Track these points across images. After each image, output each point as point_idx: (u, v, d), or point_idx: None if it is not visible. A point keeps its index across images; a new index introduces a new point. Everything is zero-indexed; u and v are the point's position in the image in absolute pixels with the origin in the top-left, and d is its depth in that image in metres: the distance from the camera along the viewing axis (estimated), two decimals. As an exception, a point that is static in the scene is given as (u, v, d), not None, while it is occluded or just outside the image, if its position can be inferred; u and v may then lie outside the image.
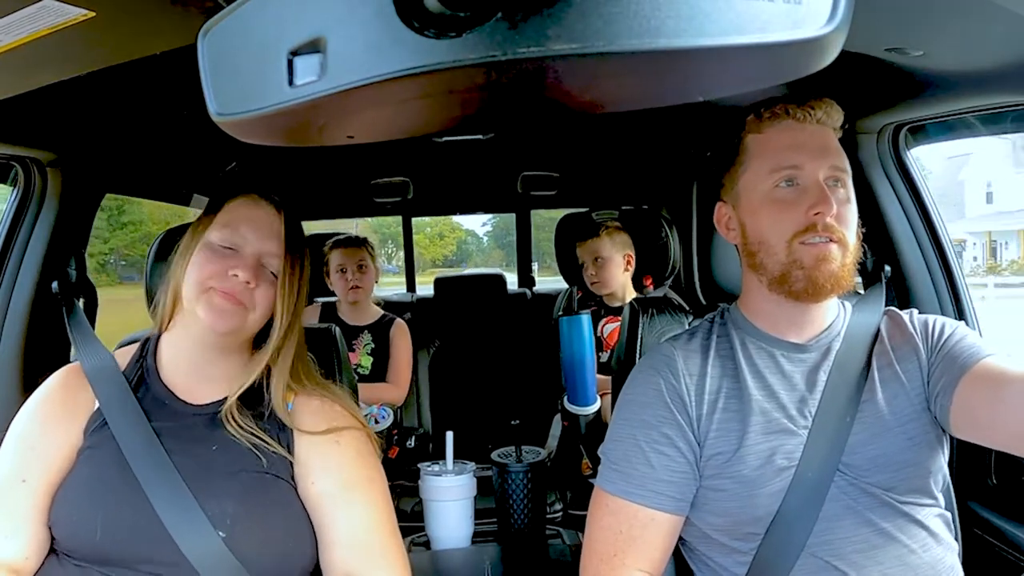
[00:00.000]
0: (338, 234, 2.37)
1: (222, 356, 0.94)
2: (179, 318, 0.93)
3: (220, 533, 0.83)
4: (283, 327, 0.93)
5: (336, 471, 0.91)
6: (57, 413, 0.90)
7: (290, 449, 0.92)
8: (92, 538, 0.83)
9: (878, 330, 0.94)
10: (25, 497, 0.85)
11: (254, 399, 0.94)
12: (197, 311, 0.88)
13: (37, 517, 0.85)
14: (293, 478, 0.91)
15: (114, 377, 0.92)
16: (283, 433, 0.92)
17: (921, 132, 1.28)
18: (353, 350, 2.22)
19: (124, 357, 0.96)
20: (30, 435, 0.89)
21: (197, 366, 0.94)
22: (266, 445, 0.90)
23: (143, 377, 0.94)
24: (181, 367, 0.94)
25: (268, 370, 0.95)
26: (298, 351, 0.97)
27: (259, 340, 0.97)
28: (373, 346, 2.25)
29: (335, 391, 1.01)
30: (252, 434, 0.91)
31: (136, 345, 0.98)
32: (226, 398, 0.92)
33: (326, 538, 0.90)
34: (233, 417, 0.91)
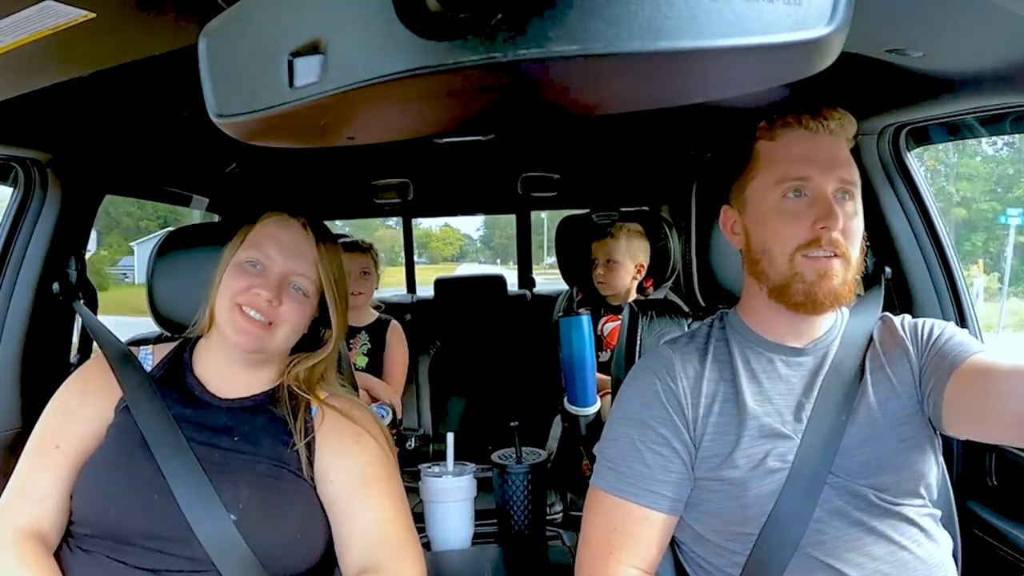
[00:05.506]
0: (342, 236, 2.37)
1: (255, 367, 0.98)
2: (215, 330, 0.97)
3: (231, 516, 0.87)
4: (336, 339, 1.00)
5: (355, 469, 0.94)
6: (92, 389, 0.95)
7: (311, 449, 0.95)
8: (107, 512, 0.86)
9: (872, 335, 0.94)
10: (57, 463, 0.90)
11: (281, 398, 0.98)
12: (226, 330, 0.93)
13: (65, 485, 0.89)
14: (313, 478, 0.94)
15: (135, 366, 0.97)
16: (306, 433, 0.95)
17: (922, 133, 1.28)
18: (350, 350, 2.23)
19: (161, 352, 1.01)
20: (67, 405, 0.94)
21: (231, 371, 0.98)
22: (287, 442, 0.94)
23: (176, 369, 0.99)
24: (214, 368, 0.98)
25: (296, 371, 1.00)
26: (334, 357, 1.03)
27: (300, 344, 1.01)
28: (369, 347, 2.26)
29: (355, 394, 1.05)
30: (275, 430, 0.94)
31: (172, 344, 1.03)
32: (253, 396, 0.97)
33: (343, 533, 0.92)
34: (258, 413, 0.95)
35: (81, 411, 0.93)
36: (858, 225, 0.88)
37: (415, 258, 3.35)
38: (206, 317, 0.98)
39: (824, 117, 0.89)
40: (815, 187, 0.87)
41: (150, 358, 1.00)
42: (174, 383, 0.97)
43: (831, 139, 0.89)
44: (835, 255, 0.86)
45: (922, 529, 0.87)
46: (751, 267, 0.93)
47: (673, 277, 2.17)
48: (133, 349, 1.01)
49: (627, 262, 2.06)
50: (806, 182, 0.87)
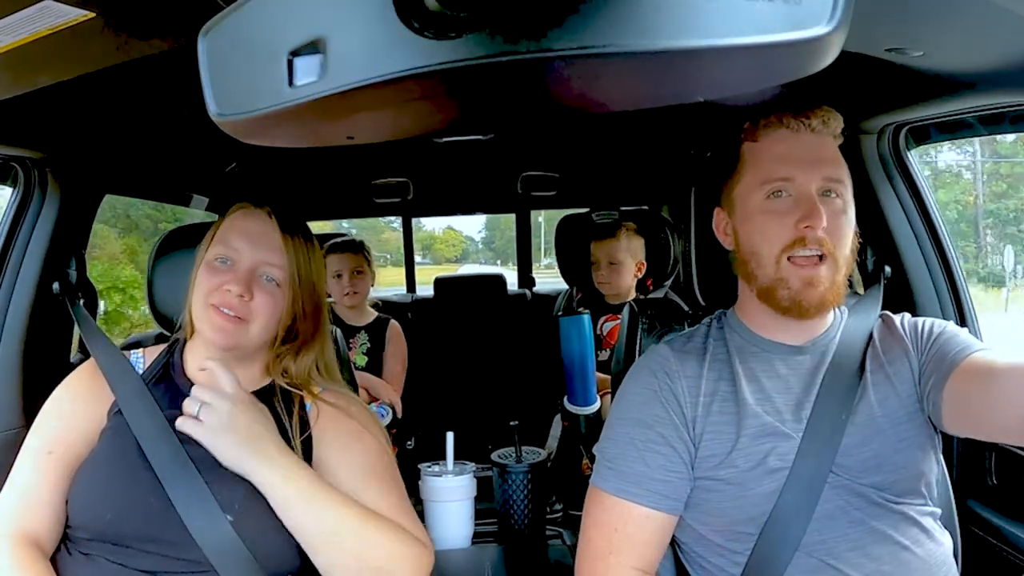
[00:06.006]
0: (338, 235, 2.37)
1: (240, 363, 0.98)
2: (196, 329, 0.97)
3: (228, 517, 0.86)
4: (284, 328, 0.97)
5: (358, 465, 0.94)
6: (85, 394, 0.95)
7: (308, 446, 0.94)
8: (104, 515, 0.86)
9: (871, 333, 0.94)
10: (52, 468, 0.90)
11: (275, 395, 0.97)
12: (203, 329, 0.93)
13: (60, 490, 0.89)
14: None
15: (126, 370, 0.97)
16: (302, 430, 0.95)
17: (922, 132, 1.28)
18: (350, 348, 2.23)
19: (152, 354, 1.01)
20: (59, 411, 0.94)
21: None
22: (284, 439, 0.92)
23: (166, 371, 0.98)
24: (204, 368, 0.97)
25: (289, 369, 0.99)
26: (321, 351, 1.02)
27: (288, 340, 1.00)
28: (369, 346, 2.27)
29: (352, 393, 1.05)
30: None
31: (162, 346, 1.03)
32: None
33: None
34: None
35: (74, 416, 0.93)
36: (846, 223, 0.88)
37: (420, 259, 3.36)
38: (188, 318, 0.98)
39: (805, 116, 0.89)
40: (798, 187, 0.87)
41: (141, 361, 1.00)
42: (166, 385, 0.97)
43: (814, 137, 0.90)
44: (821, 257, 0.86)
45: (923, 529, 0.87)
46: (741, 268, 0.93)
47: (673, 276, 2.17)
48: (124, 353, 1.01)
49: (629, 261, 2.08)
50: (788, 182, 0.87)
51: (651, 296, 2.13)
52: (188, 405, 0.86)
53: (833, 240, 0.86)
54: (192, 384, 0.96)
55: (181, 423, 0.86)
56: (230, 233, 0.95)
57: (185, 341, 1.01)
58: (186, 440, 0.90)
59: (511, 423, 1.42)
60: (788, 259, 0.87)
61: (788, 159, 0.88)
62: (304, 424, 0.96)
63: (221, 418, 0.86)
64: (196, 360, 0.98)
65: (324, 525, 0.86)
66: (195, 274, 0.96)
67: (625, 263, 2.07)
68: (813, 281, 0.86)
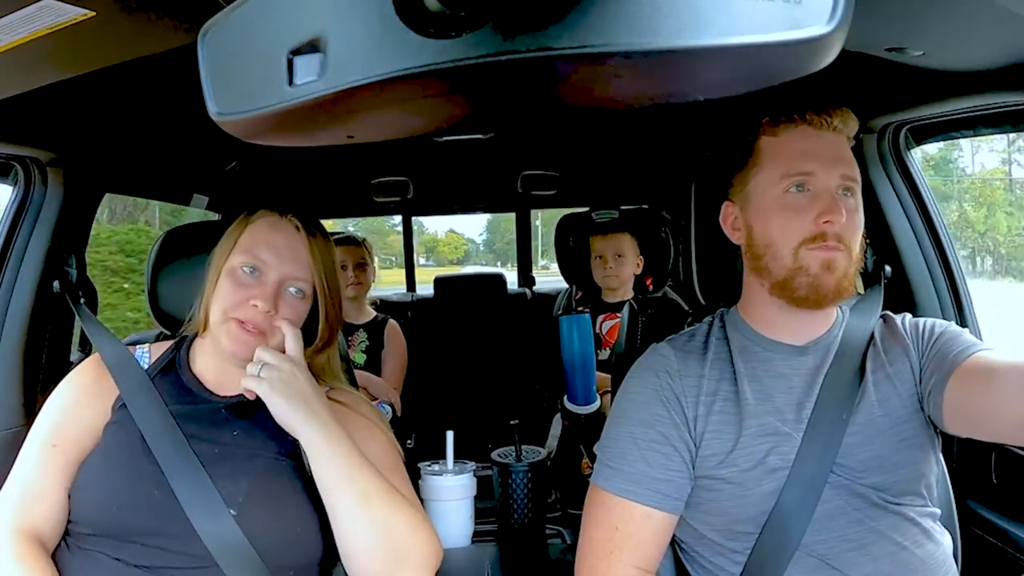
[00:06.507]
0: (337, 233, 2.38)
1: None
2: (209, 331, 0.96)
3: (231, 511, 0.86)
4: (323, 339, 0.99)
5: (372, 460, 0.93)
6: (90, 388, 0.96)
7: None
8: (109, 508, 0.86)
9: (873, 333, 0.94)
10: (55, 462, 0.90)
11: None
12: (220, 338, 0.92)
13: (63, 484, 0.89)
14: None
15: (131, 365, 0.97)
16: None
17: (922, 132, 1.28)
18: (348, 347, 2.24)
19: (158, 350, 1.01)
20: (64, 404, 0.94)
21: (228, 369, 0.97)
22: (288, 436, 0.91)
23: (173, 367, 0.98)
24: (211, 367, 0.98)
25: None
26: (332, 351, 1.03)
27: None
28: (368, 344, 2.28)
29: (358, 392, 1.05)
30: (275, 425, 0.92)
31: (168, 343, 1.03)
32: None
33: None
34: (258, 409, 0.93)
35: (79, 410, 0.93)
36: (859, 221, 0.89)
37: (423, 260, 3.38)
38: (200, 317, 0.97)
39: (828, 114, 0.89)
40: (818, 182, 0.87)
41: (147, 356, 1.00)
42: (171, 380, 0.97)
43: (834, 136, 0.90)
44: (838, 249, 0.86)
45: (923, 529, 0.87)
46: (753, 263, 0.93)
47: (673, 276, 2.18)
48: (129, 348, 1.01)
49: (631, 254, 2.16)
50: (810, 177, 0.87)
51: (651, 295, 2.13)
52: (250, 366, 0.89)
53: (849, 236, 0.87)
54: (199, 382, 0.97)
55: (244, 380, 0.89)
56: (255, 244, 0.94)
57: (192, 338, 1.01)
58: (190, 435, 0.90)
59: (511, 422, 1.42)
60: (806, 250, 0.87)
61: (810, 155, 0.88)
62: None
63: (282, 375, 0.88)
64: (204, 357, 0.98)
65: (357, 487, 0.87)
66: (215, 276, 0.94)
67: (628, 256, 2.15)
68: (832, 264, 0.86)
